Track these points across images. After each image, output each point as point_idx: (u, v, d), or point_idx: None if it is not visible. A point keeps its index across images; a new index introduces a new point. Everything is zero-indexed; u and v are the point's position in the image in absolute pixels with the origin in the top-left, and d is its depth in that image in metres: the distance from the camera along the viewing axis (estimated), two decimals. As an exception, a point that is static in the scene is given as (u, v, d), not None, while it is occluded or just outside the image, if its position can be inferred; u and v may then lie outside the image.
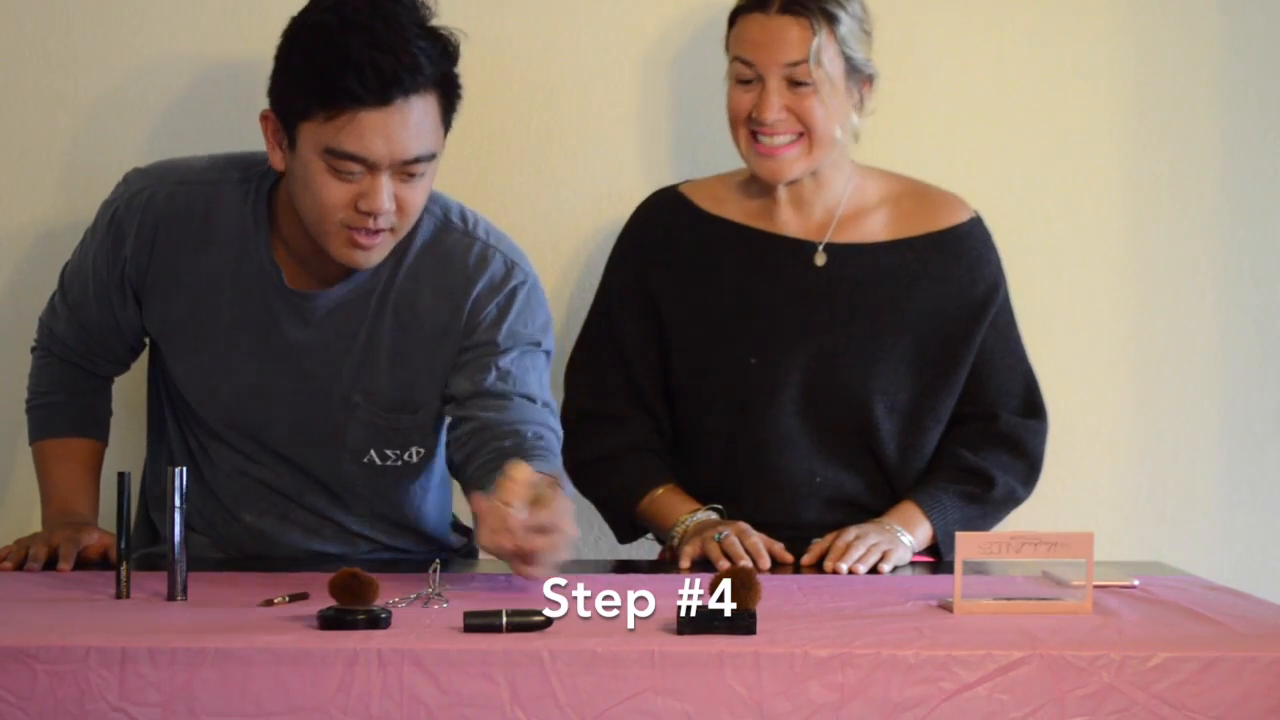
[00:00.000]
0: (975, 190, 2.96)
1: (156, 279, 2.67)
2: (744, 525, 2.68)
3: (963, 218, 2.88)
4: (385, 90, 2.44)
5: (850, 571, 2.59)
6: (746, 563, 2.56)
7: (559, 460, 2.61)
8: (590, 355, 2.89)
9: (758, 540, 2.63)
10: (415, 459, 2.71)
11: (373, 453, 2.68)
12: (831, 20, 2.72)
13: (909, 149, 3.07)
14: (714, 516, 2.76)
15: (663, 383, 2.87)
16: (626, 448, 2.85)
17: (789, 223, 2.84)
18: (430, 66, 2.48)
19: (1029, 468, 2.87)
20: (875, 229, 2.85)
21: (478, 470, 2.56)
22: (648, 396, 2.86)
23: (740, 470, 2.83)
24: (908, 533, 2.73)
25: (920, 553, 2.78)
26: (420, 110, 2.48)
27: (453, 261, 2.64)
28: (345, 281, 2.63)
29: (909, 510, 2.78)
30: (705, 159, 3.07)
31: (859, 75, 2.77)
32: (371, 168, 2.47)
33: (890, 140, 3.03)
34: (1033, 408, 2.88)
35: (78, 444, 2.78)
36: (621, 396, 2.86)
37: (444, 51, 2.51)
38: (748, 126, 2.76)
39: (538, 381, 2.65)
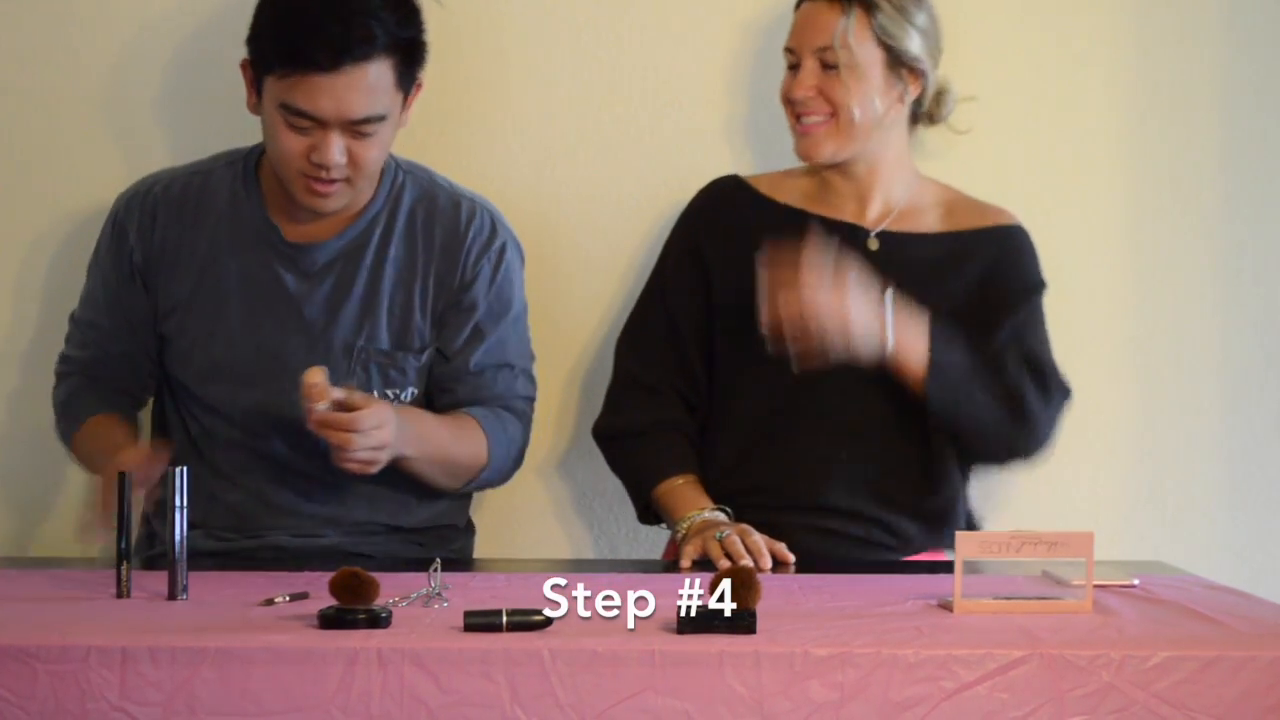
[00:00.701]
0: (975, 190, 2.97)
1: (161, 261, 2.78)
2: (745, 526, 2.69)
3: (1011, 222, 2.93)
4: (336, 58, 2.57)
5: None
6: (747, 562, 2.56)
7: (513, 425, 2.80)
8: (641, 323, 2.94)
9: (759, 540, 2.63)
10: (409, 400, 2.79)
11: (374, 394, 2.72)
12: (867, 6, 2.78)
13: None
14: (721, 517, 2.76)
15: (708, 357, 2.90)
16: (656, 425, 2.88)
17: (846, 211, 2.89)
18: (385, 36, 2.60)
19: (1045, 390, 2.83)
20: (928, 224, 2.90)
21: None
22: (692, 369, 2.90)
23: (769, 441, 2.85)
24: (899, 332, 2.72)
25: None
26: (373, 74, 2.61)
27: (444, 217, 2.79)
28: (341, 234, 2.75)
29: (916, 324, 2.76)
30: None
31: (902, 67, 2.82)
32: (321, 124, 2.61)
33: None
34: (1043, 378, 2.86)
35: (110, 416, 2.80)
36: (665, 367, 2.90)
37: (403, 19, 2.63)
38: (790, 108, 2.85)
39: (516, 341, 2.84)
